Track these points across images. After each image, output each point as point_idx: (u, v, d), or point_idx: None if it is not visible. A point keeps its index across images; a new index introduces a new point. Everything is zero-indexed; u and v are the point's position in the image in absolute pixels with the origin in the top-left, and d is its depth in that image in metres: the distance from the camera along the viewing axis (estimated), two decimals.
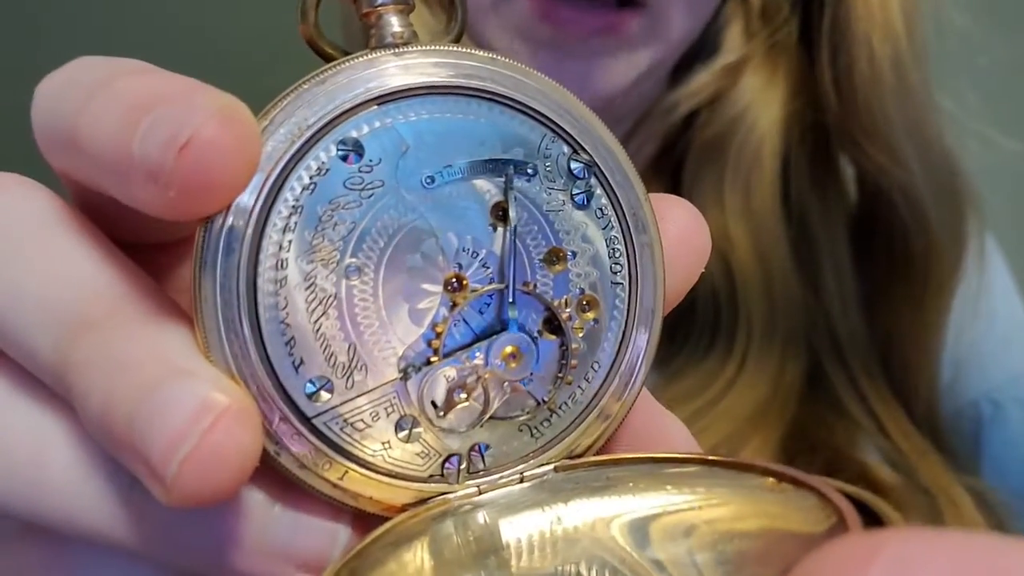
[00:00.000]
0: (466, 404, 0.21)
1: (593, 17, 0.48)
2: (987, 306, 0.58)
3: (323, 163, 0.20)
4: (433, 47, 0.21)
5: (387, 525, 0.20)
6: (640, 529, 0.20)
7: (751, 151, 0.53)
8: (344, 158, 0.20)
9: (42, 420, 0.21)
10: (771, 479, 0.19)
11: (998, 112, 0.56)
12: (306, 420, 0.20)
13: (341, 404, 0.20)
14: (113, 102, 0.19)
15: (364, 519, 0.21)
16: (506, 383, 0.21)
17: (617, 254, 0.22)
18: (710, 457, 0.20)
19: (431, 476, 0.21)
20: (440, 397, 0.21)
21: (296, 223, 0.19)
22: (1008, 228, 0.65)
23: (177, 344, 0.19)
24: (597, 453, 0.22)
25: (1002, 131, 0.55)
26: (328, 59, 0.21)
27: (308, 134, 0.19)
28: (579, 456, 0.22)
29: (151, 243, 0.23)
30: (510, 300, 0.21)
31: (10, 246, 0.20)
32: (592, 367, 0.22)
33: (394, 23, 0.21)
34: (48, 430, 0.20)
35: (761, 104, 0.54)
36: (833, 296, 0.55)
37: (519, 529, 0.20)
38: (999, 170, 0.58)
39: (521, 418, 0.21)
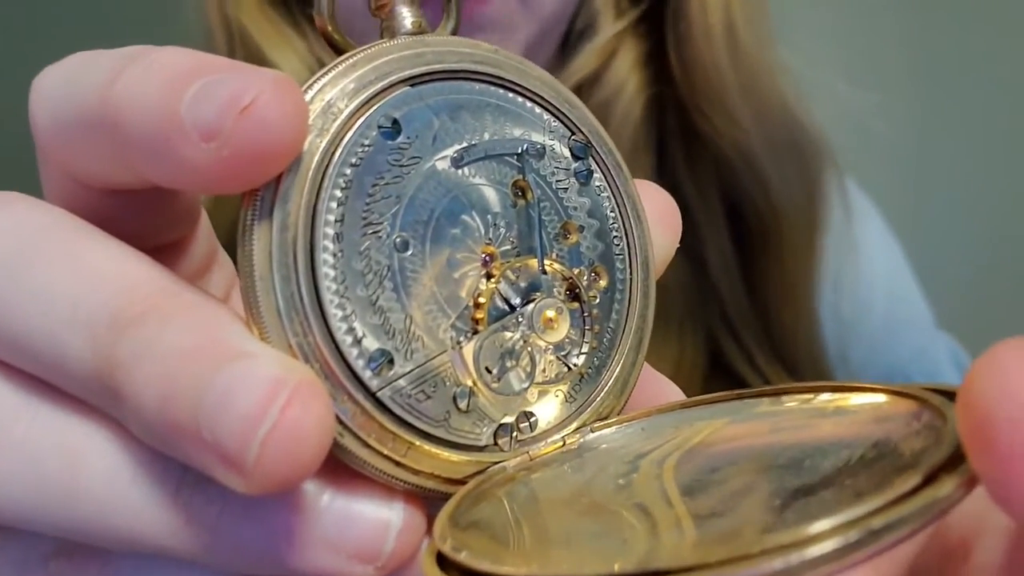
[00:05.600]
0: (515, 370, 0.21)
1: None
2: (886, 285, 0.62)
3: (368, 139, 0.20)
4: (447, 36, 0.22)
5: (463, 491, 0.20)
6: (690, 464, 0.21)
7: (628, 136, 0.55)
8: (385, 135, 0.20)
9: (71, 429, 0.19)
10: (819, 395, 0.21)
11: (847, 63, 0.58)
12: (371, 395, 0.19)
13: (403, 376, 0.20)
14: (153, 70, 0.18)
15: (415, 502, 0.20)
16: (548, 347, 0.22)
17: (615, 228, 0.24)
18: (741, 392, 0.22)
19: (486, 446, 0.21)
20: (493, 364, 0.21)
21: (348, 197, 0.19)
22: (858, 174, 0.65)
23: (231, 328, 0.18)
24: (620, 413, 0.23)
25: (849, 81, 0.58)
26: (340, 50, 0.22)
27: (349, 111, 0.20)
28: (607, 417, 0.23)
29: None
30: (542, 269, 0.22)
31: (29, 254, 0.19)
32: (607, 331, 0.23)
33: (407, 14, 0.22)
34: (80, 438, 0.19)
35: (632, 87, 0.55)
36: (719, 273, 0.56)
37: (579, 489, 0.21)
38: (848, 119, 0.60)
39: (557, 384, 0.22)
